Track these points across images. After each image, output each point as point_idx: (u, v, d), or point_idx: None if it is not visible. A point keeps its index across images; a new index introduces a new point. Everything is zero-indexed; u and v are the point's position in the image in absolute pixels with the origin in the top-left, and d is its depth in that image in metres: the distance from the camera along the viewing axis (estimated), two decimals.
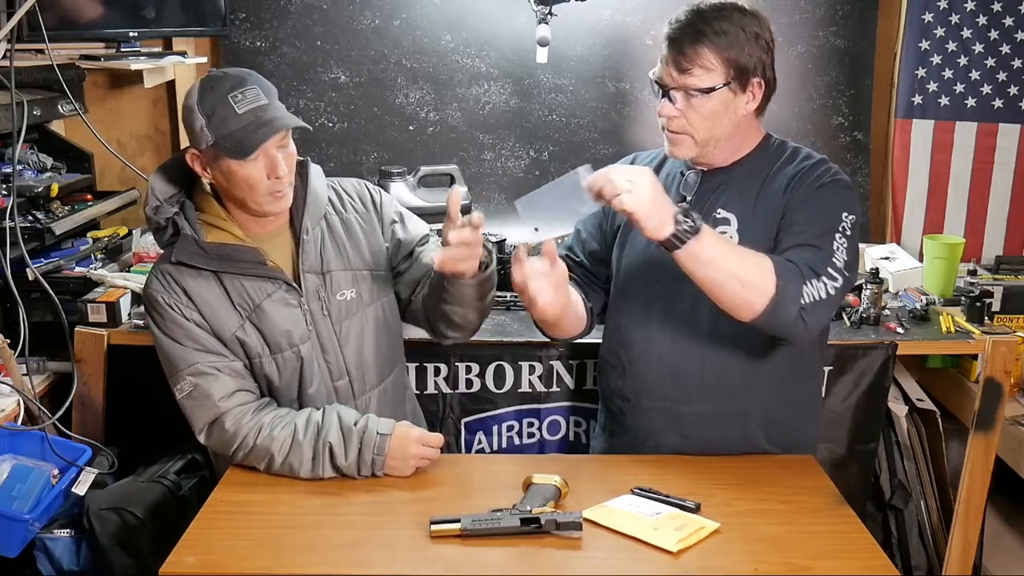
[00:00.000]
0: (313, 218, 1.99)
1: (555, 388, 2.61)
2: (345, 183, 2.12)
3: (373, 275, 2.04)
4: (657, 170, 2.07)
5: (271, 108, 1.86)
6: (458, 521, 1.66)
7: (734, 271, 1.75)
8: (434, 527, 1.66)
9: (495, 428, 2.65)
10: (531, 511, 1.68)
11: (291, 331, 1.96)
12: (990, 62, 3.31)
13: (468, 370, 2.59)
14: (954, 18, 3.29)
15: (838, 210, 1.87)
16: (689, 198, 1.97)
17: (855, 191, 1.96)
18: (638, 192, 1.68)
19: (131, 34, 3.02)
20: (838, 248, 1.84)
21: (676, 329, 1.97)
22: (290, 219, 2.00)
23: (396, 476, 1.87)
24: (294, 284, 1.97)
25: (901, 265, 3.03)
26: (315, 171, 2.04)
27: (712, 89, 1.84)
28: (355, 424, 1.88)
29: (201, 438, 1.96)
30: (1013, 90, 3.32)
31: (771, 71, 1.90)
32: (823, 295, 1.79)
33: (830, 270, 1.81)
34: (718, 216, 1.94)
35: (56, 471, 2.29)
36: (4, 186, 2.51)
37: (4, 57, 2.44)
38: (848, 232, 1.86)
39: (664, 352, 1.99)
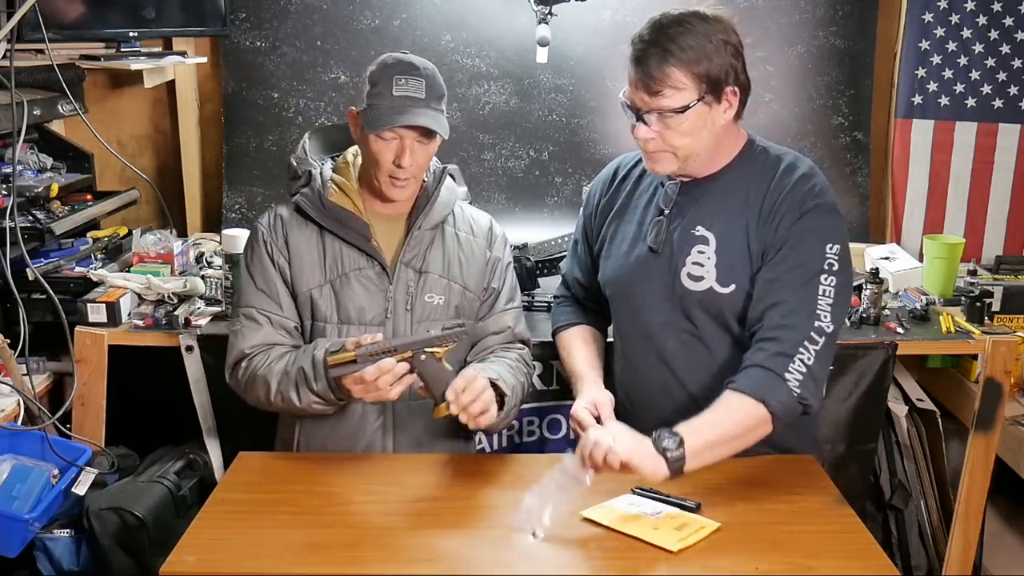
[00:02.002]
0: (430, 220, 2.04)
1: (555, 387, 2.60)
2: (476, 211, 2.19)
3: (465, 293, 2.07)
4: (639, 177, 2.06)
5: (423, 104, 1.91)
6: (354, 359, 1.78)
7: (733, 438, 1.75)
8: (330, 357, 1.82)
9: None
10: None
11: (365, 309, 2.01)
12: (990, 62, 3.31)
13: None
14: (954, 18, 3.29)
15: (821, 245, 1.83)
16: (667, 211, 1.95)
17: (839, 211, 1.90)
18: (621, 440, 1.68)
19: (131, 34, 3.03)
20: (824, 292, 1.81)
21: (661, 342, 1.97)
22: (410, 213, 2.05)
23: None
24: (387, 270, 2.01)
25: (901, 265, 3.03)
26: (450, 184, 2.11)
27: (686, 108, 1.80)
28: (327, 348, 1.90)
29: (227, 376, 2.05)
30: (1013, 90, 3.32)
31: (744, 75, 1.86)
32: (806, 366, 1.77)
33: (808, 339, 1.78)
34: (696, 234, 1.91)
35: (56, 471, 2.30)
36: (4, 186, 2.51)
37: (4, 57, 2.44)
38: (835, 267, 1.83)
39: (652, 366, 1.99)
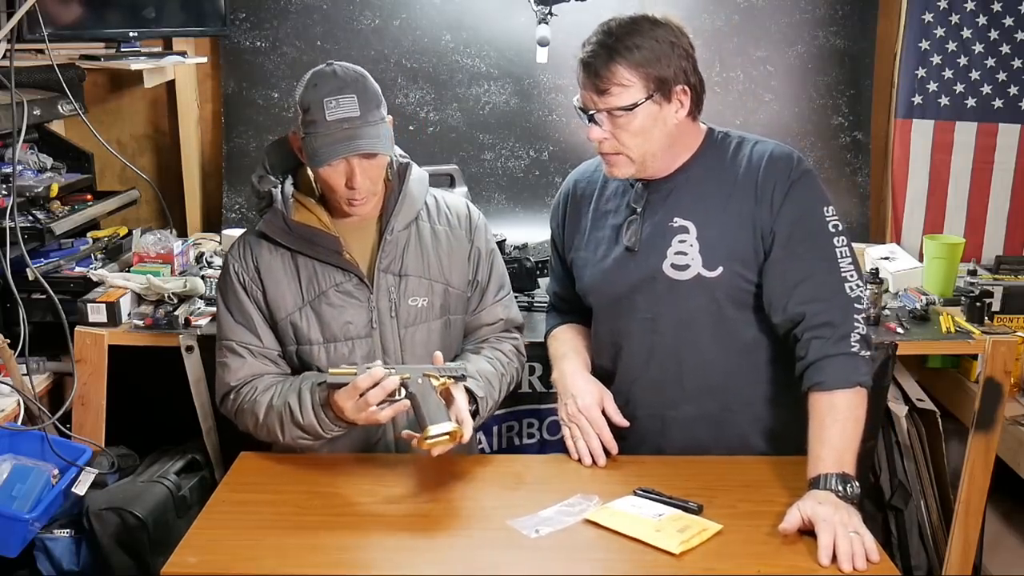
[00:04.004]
0: (402, 220, 2.00)
1: (555, 389, 2.60)
2: (450, 196, 2.14)
3: (448, 290, 2.04)
4: (603, 184, 2.06)
5: (360, 123, 1.85)
6: (355, 373, 1.78)
7: (858, 434, 1.79)
8: (331, 369, 1.81)
9: (495, 428, 2.65)
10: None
11: (351, 324, 1.97)
12: (990, 62, 3.31)
13: None
14: (954, 18, 3.29)
15: (820, 209, 1.89)
16: (639, 210, 1.96)
17: (814, 170, 1.96)
18: (861, 526, 1.66)
19: (131, 34, 3.03)
20: (841, 255, 1.88)
21: (654, 338, 1.98)
22: (380, 215, 2.01)
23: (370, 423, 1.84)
24: (366, 280, 1.98)
25: (901, 265, 3.03)
26: (416, 176, 2.06)
27: (635, 105, 1.82)
28: (313, 381, 1.89)
29: (219, 406, 2.05)
30: (1013, 90, 3.32)
31: (695, 76, 1.88)
32: (860, 335, 1.84)
33: (853, 309, 1.85)
34: (674, 225, 1.93)
35: (56, 471, 2.29)
36: (4, 186, 2.51)
37: (4, 57, 2.44)
38: (839, 227, 1.89)
39: (649, 364, 2.00)
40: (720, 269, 1.90)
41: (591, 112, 1.86)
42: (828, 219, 1.89)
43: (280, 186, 1.99)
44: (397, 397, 1.80)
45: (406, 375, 1.80)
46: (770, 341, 1.96)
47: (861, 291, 1.88)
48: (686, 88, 1.86)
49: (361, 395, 1.78)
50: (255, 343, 1.99)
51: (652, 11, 1.88)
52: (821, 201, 1.90)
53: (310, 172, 2.00)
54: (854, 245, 1.94)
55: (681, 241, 1.92)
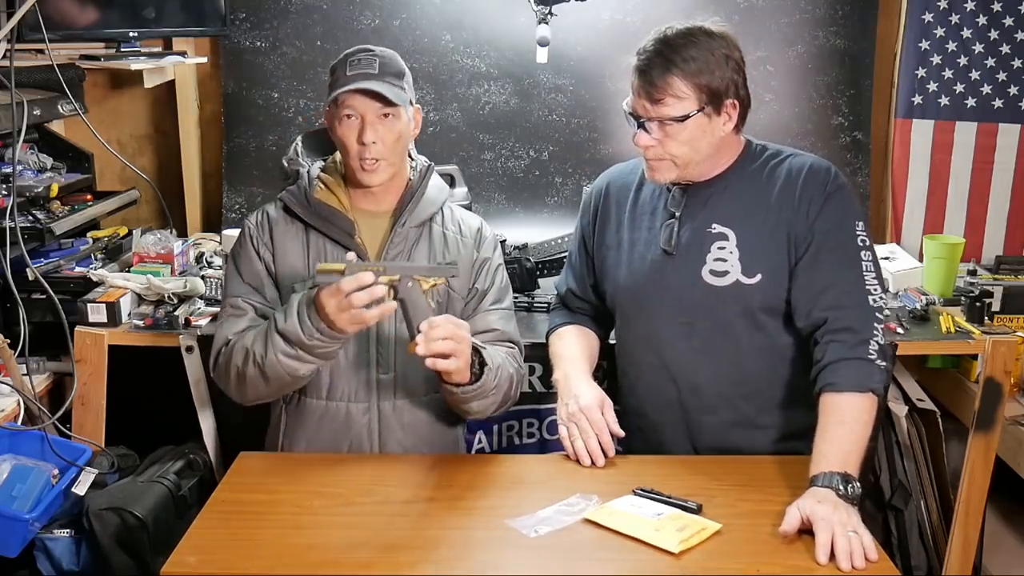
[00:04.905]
0: (415, 217, 2.04)
1: (555, 389, 2.60)
2: (467, 213, 2.19)
3: (447, 292, 2.06)
4: (639, 185, 2.08)
5: (375, 77, 1.93)
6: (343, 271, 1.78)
7: (865, 438, 1.79)
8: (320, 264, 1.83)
9: (495, 427, 2.65)
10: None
11: None
12: (990, 62, 3.31)
13: None
14: (954, 18, 3.29)
15: (852, 223, 1.92)
16: (678, 213, 1.98)
17: (848, 186, 1.99)
18: (860, 525, 1.65)
19: (131, 34, 3.03)
20: (867, 268, 1.90)
21: (684, 344, 1.99)
22: (395, 210, 2.05)
23: (346, 331, 1.83)
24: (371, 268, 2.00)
25: (901, 265, 3.04)
26: (437, 181, 2.12)
27: (686, 117, 1.85)
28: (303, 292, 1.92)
29: (212, 367, 2.04)
30: (1013, 90, 3.32)
31: (744, 90, 1.92)
32: (878, 344, 1.85)
33: (874, 318, 1.87)
34: (713, 231, 1.95)
35: (56, 471, 2.29)
36: (4, 186, 2.51)
37: (4, 57, 2.44)
38: (867, 242, 1.92)
39: (675, 367, 2.00)
40: (759, 276, 1.93)
41: (642, 120, 1.88)
42: (858, 234, 1.92)
43: (309, 167, 2.07)
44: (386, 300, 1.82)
45: (395, 277, 1.81)
46: (803, 345, 1.97)
47: (884, 303, 1.90)
48: (735, 102, 1.90)
49: (346, 296, 1.79)
50: (260, 300, 2.03)
51: (705, 23, 1.90)
52: (854, 215, 1.94)
53: (338, 156, 2.07)
54: None
55: (720, 248, 1.94)
